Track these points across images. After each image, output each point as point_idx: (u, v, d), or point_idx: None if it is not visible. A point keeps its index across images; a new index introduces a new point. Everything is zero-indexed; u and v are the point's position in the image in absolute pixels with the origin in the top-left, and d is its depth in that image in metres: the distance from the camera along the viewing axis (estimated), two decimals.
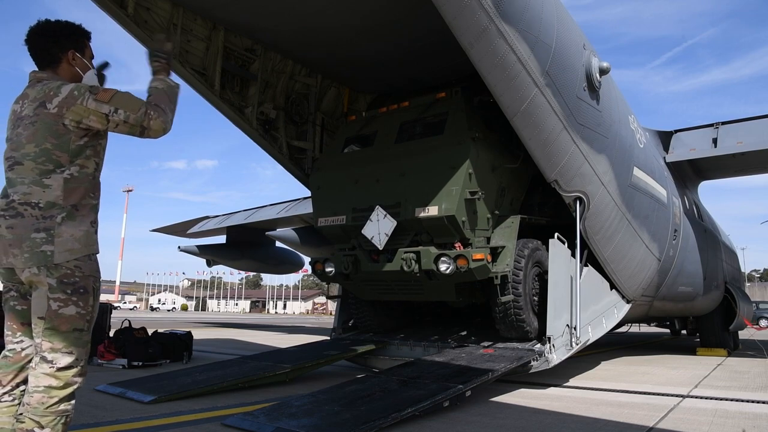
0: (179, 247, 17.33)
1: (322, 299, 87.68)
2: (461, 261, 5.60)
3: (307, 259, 19.20)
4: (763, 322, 31.33)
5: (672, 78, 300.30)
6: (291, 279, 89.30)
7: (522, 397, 5.52)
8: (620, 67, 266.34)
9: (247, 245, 17.21)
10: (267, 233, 16.21)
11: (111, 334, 8.20)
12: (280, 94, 7.19)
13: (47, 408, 2.16)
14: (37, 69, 2.49)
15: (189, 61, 6.03)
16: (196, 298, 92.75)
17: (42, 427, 2.14)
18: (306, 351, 7.13)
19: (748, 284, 47.06)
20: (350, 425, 3.83)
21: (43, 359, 2.21)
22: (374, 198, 6.17)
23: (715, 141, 9.38)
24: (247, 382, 5.66)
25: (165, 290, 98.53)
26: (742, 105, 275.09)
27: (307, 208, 14.59)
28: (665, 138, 9.74)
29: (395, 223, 5.94)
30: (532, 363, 5.74)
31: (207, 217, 18.91)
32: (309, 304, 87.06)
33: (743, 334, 14.02)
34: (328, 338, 7.89)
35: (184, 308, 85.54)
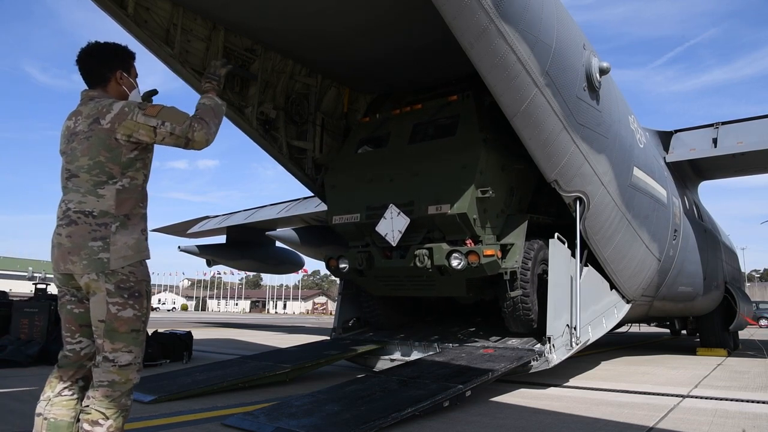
0: (179, 247, 17.37)
1: (322, 299, 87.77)
2: (473, 257, 5.77)
3: (307, 259, 19.23)
4: (763, 322, 31.36)
5: (673, 78, 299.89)
6: (291, 279, 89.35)
7: (522, 397, 5.52)
8: (622, 67, 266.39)
9: (247, 245, 17.23)
10: (267, 233, 16.21)
11: None
12: (280, 94, 7.19)
13: (112, 401, 2.37)
14: (87, 88, 2.67)
15: (189, 61, 6.02)
16: (196, 298, 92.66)
17: (107, 418, 2.33)
18: (306, 351, 7.14)
19: (748, 284, 47.03)
20: (350, 425, 3.83)
21: (106, 359, 2.41)
22: (388, 196, 6.34)
23: (715, 141, 9.38)
24: (247, 382, 5.67)
25: (165, 290, 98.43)
26: (743, 105, 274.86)
27: (308, 208, 14.60)
28: (665, 138, 9.74)
29: (408, 220, 6.09)
30: (532, 363, 5.76)
31: (207, 217, 18.92)
32: (309, 304, 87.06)
33: (743, 334, 14.02)
34: (328, 338, 7.89)
35: (184, 308, 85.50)
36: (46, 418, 2.44)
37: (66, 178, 2.50)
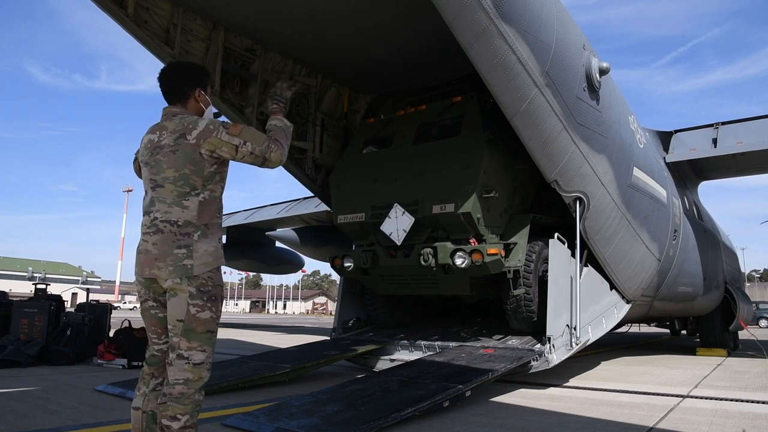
0: None
1: (322, 299, 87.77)
2: (476, 255, 5.84)
3: (307, 260, 19.24)
4: (763, 322, 31.37)
5: (676, 78, 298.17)
6: (291, 279, 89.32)
7: (522, 397, 5.53)
8: (625, 67, 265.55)
9: (247, 245, 17.22)
10: (267, 233, 16.23)
11: (111, 334, 8.21)
12: None
13: (187, 397, 2.54)
14: (167, 104, 2.87)
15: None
16: None
17: (184, 414, 2.50)
18: (306, 351, 7.14)
19: (748, 284, 47.02)
20: (350, 425, 3.83)
21: (180, 356, 2.57)
22: (392, 196, 6.42)
23: (715, 141, 9.39)
24: (247, 382, 5.67)
25: None
26: (745, 105, 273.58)
27: (308, 208, 14.60)
28: (665, 138, 9.74)
29: (413, 219, 6.16)
30: (532, 363, 5.77)
31: None
32: (309, 304, 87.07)
33: (743, 334, 14.01)
34: (328, 338, 7.89)
35: None
36: (144, 411, 2.66)
37: (151, 187, 2.69)
